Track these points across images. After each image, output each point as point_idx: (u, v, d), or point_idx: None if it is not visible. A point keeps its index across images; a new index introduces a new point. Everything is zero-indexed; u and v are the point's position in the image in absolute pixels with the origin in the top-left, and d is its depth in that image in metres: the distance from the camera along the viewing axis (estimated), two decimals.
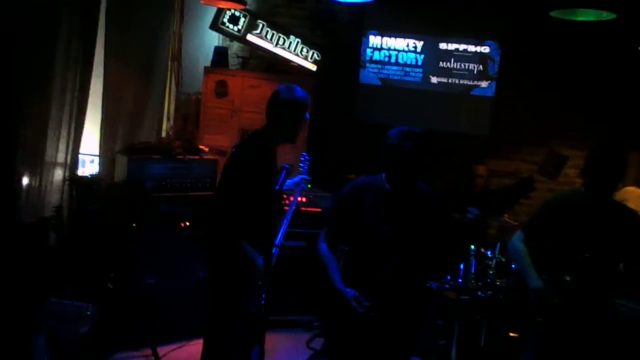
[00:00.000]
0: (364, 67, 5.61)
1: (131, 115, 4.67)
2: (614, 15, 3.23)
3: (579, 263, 2.86)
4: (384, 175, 2.72)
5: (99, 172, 4.26)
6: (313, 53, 5.26)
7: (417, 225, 2.62)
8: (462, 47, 5.62)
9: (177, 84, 5.25)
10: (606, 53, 5.47)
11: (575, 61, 5.58)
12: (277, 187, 2.46)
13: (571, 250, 2.90)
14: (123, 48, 4.47)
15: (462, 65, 5.64)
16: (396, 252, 2.60)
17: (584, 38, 5.41)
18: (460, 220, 2.67)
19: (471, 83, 5.67)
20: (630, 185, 5.08)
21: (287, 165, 2.55)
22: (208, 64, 5.25)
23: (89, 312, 3.54)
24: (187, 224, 4.23)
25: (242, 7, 4.50)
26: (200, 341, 3.92)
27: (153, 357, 3.81)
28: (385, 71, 5.62)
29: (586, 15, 3.38)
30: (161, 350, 3.88)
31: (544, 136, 5.84)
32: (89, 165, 4.29)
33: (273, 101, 2.95)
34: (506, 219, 4.30)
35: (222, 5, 4.55)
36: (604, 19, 3.29)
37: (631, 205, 4.02)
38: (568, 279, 2.88)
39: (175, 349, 4.02)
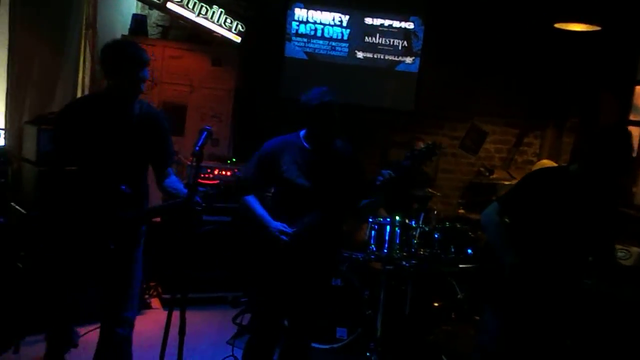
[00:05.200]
0: (290, 40, 5.52)
1: (40, 86, 4.37)
2: None
3: (556, 246, 2.70)
4: (302, 134, 2.89)
5: (5, 146, 3.97)
6: (237, 24, 5.10)
7: (334, 180, 2.79)
8: (387, 22, 5.64)
9: (92, 54, 4.95)
10: (525, 30, 5.64)
11: (496, 38, 5.73)
12: (197, 147, 2.40)
13: (549, 229, 2.71)
14: (31, 13, 4.17)
15: (388, 40, 5.67)
16: (315, 205, 2.78)
17: (504, 15, 5.56)
18: (372, 181, 2.70)
19: (396, 59, 5.70)
20: (545, 159, 5.32)
21: (208, 127, 2.47)
22: (126, 32, 5.00)
23: None
24: None
25: None
26: None
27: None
28: (312, 45, 5.56)
29: None
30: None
31: (466, 112, 5.99)
32: None
33: None
34: (429, 190, 4.39)
35: None
36: None
37: None
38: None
39: (92, 330, 3.83)
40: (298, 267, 2.86)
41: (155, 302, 4.51)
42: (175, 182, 2.87)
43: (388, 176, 2.66)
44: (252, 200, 2.93)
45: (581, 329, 3.53)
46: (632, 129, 5.10)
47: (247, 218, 2.93)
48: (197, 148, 2.40)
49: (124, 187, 2.64)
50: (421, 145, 2.87)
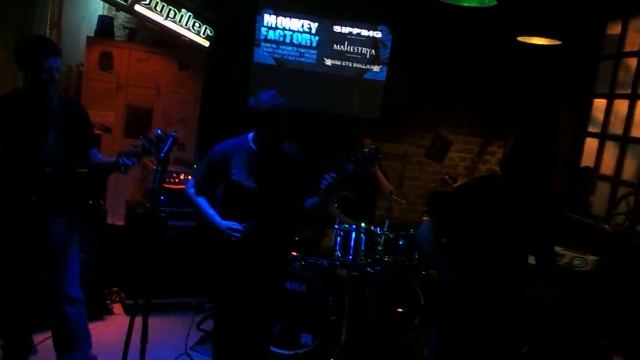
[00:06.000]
0: (259, 46, 5.52)
1: (3, 88, 4.27)
2: (494, 2, 3.40)
3: (493, 257, 2.72)
4: (250, 136, 2.99)
5: None
6: (205, 28, 5.08)
7: (282, 182, 2.92)
8: (355, 30, 5.70)
9: None
10: (489, 42, 5.77)
11: (461, 50, 5.85)
12: (162, 154, 2.42)
13: (484, 240, 2.73)
14: None
15: (356, 49, 5.73)
16: (263, 206, 2.90)
17: (470, 27, 5.68)
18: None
19: (364, 67, 5.77)
20: None
21: (173, 133, 2.48)
22: (91, 34, 4.93)
23: None
24: None
25: None
26: None
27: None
28: (280, 51, 5.58)
29: (471, 1, 3.54)
30: (35, 339, 3.61)
31: (431, 121, 6.09)
32: None
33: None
34: (395, 197, 4.44)
35: None
36: (486, 5, 3.45)
37: None
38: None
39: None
40: (250, 265, 2.97)
41: (117, 308, 4.44)
42: (100, 158, 3.16)
43: (331, 179, 2.80)
44: (202, 202, 3.05)
45: (536, 336, 3.62)
46: (590, 141, 5.29)
47: (198, 218, 3.08)
48: (162, 155, 2.42)
49: (49, 169, 2.89)
50: (366, 146, 2.96)
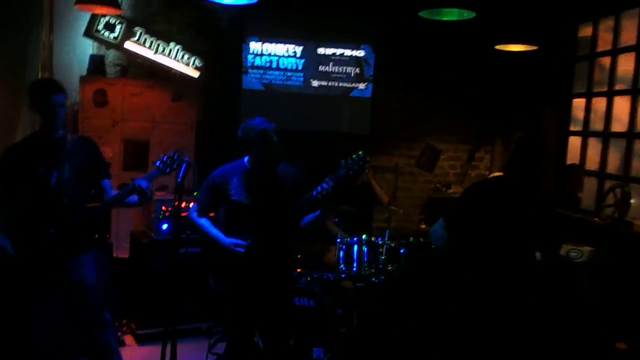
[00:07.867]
0: (247, 72, 5.68)
1: (6, 128, 4.39)
2: (473, 14, 3.59)
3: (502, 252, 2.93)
4: (246, 159, 3.19)
5: None
6: (195, 59, 5.23)
7: (278, 199, 3.10)
8: (339, 51, 5.88)
9: None
10: (470, 52, 5.99)
11: (443, 60, 6.05)
12: (179, 179, 2.53)
13: (493, 237, 2.95)
14: None
15: (341, 68, 5.90)
16: (263, 222, 3.08)
17: (449, 39, 5.88)
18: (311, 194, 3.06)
19: (350, 85, 5.94)
20: (496, 172, 5.60)
21: (186, 159, 2.59)
22: (84, 73, 5.04)
23: None
24: None
25: (119, 12, 4.40)
26: None
27: None
28: (268, 76, 5.73)
29: (450, 15, 3.73)
30: None
31: (420, 132, 6.25)
32: None
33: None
34: (393, 208, 4.56)
35: (98, 11, 4.41)
36: (465, 18, 3.63)
37: None
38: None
39: None
40: (255, 279, 3.14)
41: (128, 339, 4.48)
42: (113, 192, 3.35)
43: (326, 185, 3.00)
44: (205, 223, 3.24)
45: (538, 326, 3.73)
46: (573, 139, 5.47)
47: (204, 239, 3.25)
48: (179, 180, 2.52)
49: (65, 198, 3.08)
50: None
